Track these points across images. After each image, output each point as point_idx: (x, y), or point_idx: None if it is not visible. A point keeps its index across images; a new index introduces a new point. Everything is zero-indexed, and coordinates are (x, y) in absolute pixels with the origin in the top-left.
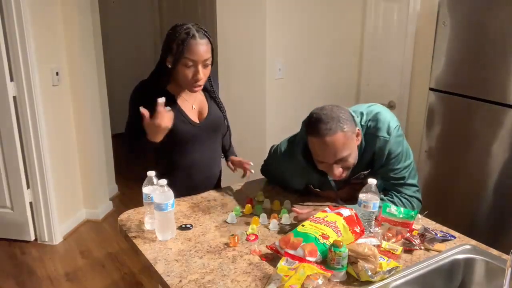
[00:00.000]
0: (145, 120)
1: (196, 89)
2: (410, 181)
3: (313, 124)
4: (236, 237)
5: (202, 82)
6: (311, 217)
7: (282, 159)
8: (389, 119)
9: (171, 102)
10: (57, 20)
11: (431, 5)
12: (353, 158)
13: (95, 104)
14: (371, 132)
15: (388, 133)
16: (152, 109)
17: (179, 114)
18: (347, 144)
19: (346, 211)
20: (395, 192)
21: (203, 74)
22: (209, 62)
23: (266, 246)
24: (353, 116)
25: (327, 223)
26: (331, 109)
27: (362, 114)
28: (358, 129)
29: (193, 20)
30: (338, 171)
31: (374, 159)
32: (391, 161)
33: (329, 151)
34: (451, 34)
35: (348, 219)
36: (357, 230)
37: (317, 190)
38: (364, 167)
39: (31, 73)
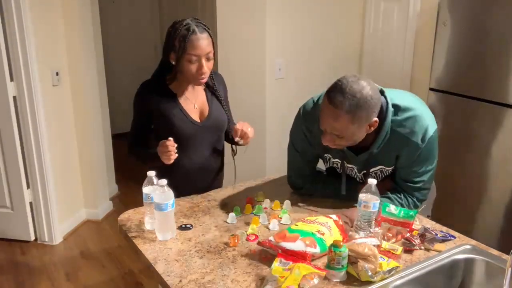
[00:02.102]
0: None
1: (202, 81)
2: (427, 185)
3: (334, 88)
4: (236, 237)
5: (206, 75)
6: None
7: (303, 118)
8: (427, 123)
9: (173, 101)
10: (57, 20)
11: (431, 5)
12: (348, 142)
13: (95, 104)
14: (404, 133)
15: (423, 140)
16: (156, 109)
17: (180, 113)
18: (348, 128)
19: (333, 216)
20: (404, 193)
21: (207, 67)
22: (211, 55)
23: (258, 243)
24: (384, 107)
25: (319, 223)
26: (363, 88)
27: (398, 108)
28: (376, 121)
29: None
30: (326, 140)
31: (399, 157)
32: (416, 163)
33: (328, 120)
34: (451, 34)
35: (336, 222)
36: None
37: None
38: (389, 163)
39: (31, 73)
